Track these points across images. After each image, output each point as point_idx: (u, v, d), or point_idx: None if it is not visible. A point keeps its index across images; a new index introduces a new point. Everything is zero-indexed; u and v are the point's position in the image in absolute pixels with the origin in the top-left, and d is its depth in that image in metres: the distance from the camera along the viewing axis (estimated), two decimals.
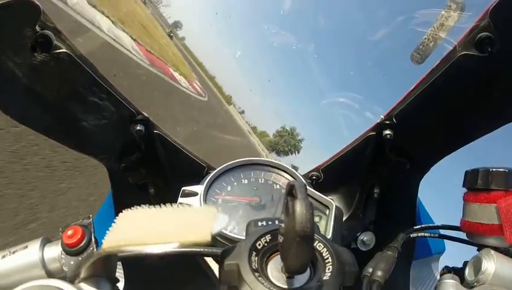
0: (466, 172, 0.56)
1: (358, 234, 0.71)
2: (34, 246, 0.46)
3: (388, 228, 0.70)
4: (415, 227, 0.66)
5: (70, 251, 0.46)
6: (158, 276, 0.59)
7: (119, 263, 0.52)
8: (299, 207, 0.38)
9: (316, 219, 0.67)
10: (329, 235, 0.69)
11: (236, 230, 0.65)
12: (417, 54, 0.66)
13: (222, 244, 0.44)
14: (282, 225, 0.42)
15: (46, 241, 0.47)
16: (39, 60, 0.58)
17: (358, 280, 0.53)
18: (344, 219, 0.75)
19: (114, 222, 0.44)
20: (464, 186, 0.56)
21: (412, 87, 0.68)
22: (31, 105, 0.62)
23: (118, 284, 0.47)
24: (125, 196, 0.72)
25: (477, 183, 0.55)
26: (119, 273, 0.60)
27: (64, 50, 0.59)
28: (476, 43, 0.56)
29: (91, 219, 0.48)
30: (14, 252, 0.46)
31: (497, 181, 0.53)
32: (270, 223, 0.47)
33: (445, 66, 0.60)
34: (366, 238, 0.71)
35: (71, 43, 0.61)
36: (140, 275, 0.52)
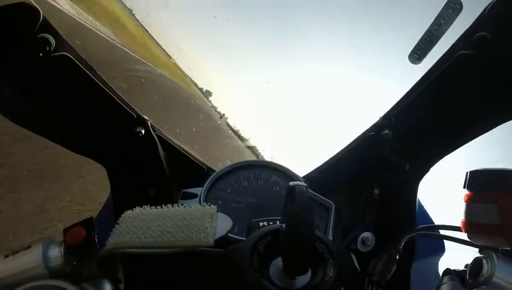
0: (467, 173, 0.56)
1: (358, 235, 0.70)
2: (37, 246, 0.46)
3: (388, 229, 0.70)
4: (416, 227, 0.66)
5: (72, 250, 0.46)
6: (159, 277, 0.59)
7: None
8: (300, 209, 0.39)
9: (316, 220, 0.67)
10: (329, 236, 0.69)
11: (236, 231, 0.65)
12: (415, 54, 0.66)
13: (223, 245, 0.44)
14: (283, 225, 0.42)
15: (49, 241, 0.47)
16: (38, 63, 0.58)
17: (359, 280, 0.53)
18: (344, 219, 0.75)
19: (117, 223, 0.44)
20: (464, 187, 0.56)
21: (411, 87, 0.68)
22: (31, 107, 0.62)
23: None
24: (125, 198, 0.72)
25: (478, 184, 0.55)
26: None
27: (63, 53, 0.59)
28: (473, 42, 0.57)
29: (93, 220, 0.48)
30: (17, 252, 0.46)
31: (498, 182, 0.53)
32: (271, 223, 0.47)
33: (443, 65, 0.61)
34: (366, 238, 0.71)
35: (71, 46, 0.61)
36: (141, 276, 0.52)
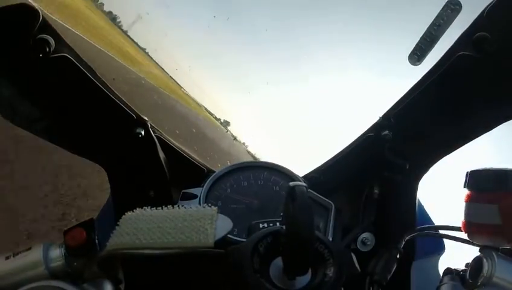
0: (467, 173, 0.56)
1: (358, 235, 0.70)
2: (38, 248, 0.46)
3: (388, 229, 0.70)
4: (417, 227, 0.66)
5: (73, 252, 0.46)
6: (159, 278, 0.59)
7: None
8: (300, 210, 0.39)
9: (316, 221, 0.67)
10: (329, 236, 0.69)
11: (235, 232, 0.65)
12: (415, 55, 0.66)
13: (222, 246, 0.44)
14: (283, 227, 0.42)
15: (50, 243, 0.48)
16: (38, 64, 0.58)
17: (359, 280, 0.53)
18: (344, 219, 0.75)
19: (118, 224, 0.44)
20: (465, 187, 0.56)
21: (410, 88, 0.68)
22: (30, 108, 0.62)
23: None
24: (125, 199, 0.72)
25: (478, 184, 0.54)
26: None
27: (63, 54, 0.59)
28: (473, 43, 0.57)
29: (94, 221, 0.48)
30: (18, 254, 0.46)
31: (499, 182, 0.52)
32: (271, 224, 0.47)
33: (443, 66, 0.61)
34: (366, 238, 0.71)
35: (70, 47, 0.61)
36: (141, 277, 0.52)
